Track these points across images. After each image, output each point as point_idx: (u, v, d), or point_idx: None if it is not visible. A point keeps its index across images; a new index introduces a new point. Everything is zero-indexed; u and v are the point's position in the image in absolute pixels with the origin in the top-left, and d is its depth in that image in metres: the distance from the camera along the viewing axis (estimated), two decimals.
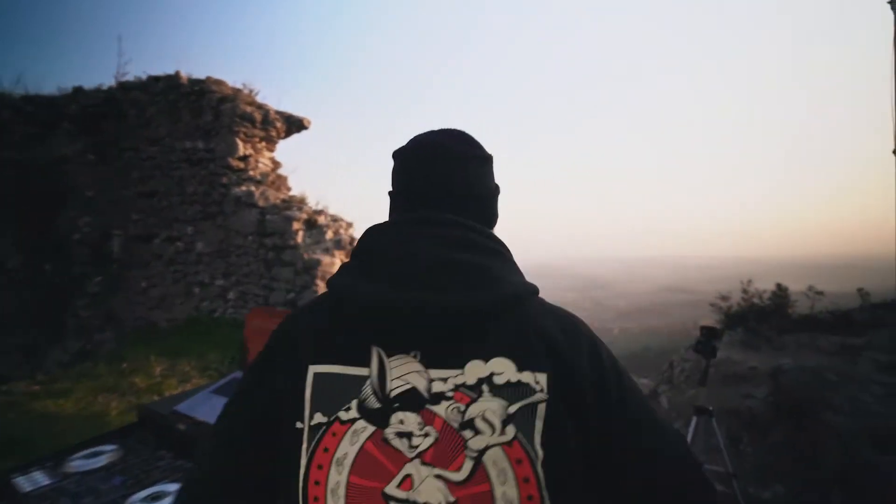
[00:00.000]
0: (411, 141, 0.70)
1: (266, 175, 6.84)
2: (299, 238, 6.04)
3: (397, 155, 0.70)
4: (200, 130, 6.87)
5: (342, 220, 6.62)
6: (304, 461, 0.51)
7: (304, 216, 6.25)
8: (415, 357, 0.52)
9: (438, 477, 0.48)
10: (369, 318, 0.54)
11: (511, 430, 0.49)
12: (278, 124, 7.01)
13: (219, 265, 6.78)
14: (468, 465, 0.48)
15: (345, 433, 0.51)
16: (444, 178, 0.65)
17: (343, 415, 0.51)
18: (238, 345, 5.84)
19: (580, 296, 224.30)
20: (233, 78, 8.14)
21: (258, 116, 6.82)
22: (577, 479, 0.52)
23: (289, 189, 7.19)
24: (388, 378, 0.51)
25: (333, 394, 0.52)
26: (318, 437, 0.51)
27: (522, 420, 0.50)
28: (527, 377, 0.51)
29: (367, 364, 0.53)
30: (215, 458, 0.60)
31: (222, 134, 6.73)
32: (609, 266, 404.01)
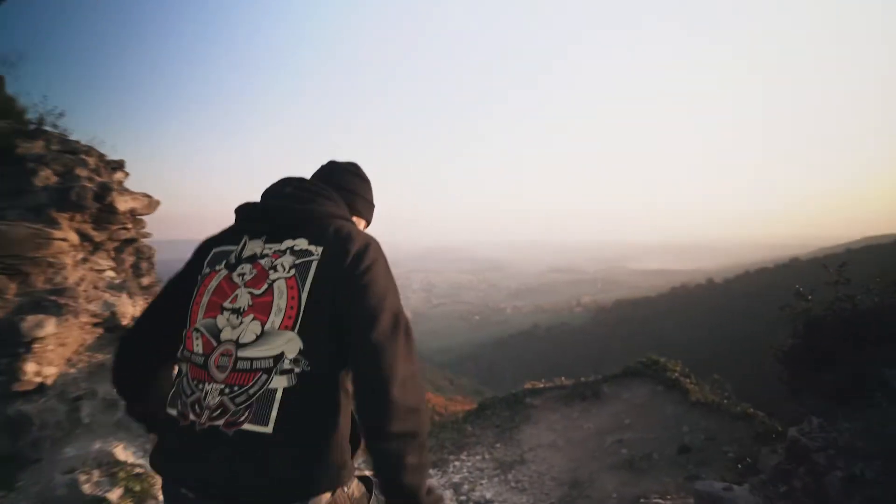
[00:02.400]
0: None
1: None
2: None
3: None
4: None
5: (131, 194, 3.20)
6: (195, 292, 0.98)
7: None
8: (262, 239, 0.98)
9: (249, 293, 0.91)
10: (246, 221, 1.04)
11: (293, 272, 0.90)
12: None
13: None
14: (265, 286, 0.90)
15: (215, 276, 0.97)
16: (328, 173, 1.18)
17: (217, 267, 0.98)
18: None
19: (475, 277, 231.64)
20: None
21: None
22: (323, 312, 0.87)
23: None
24: (245, 250, 0.98)
25: (219, 259, 1.00)
26: (203, 279, 0.98)
27: (302, 268, 0.90)
28: (311, 248, 0.93)
29: (238, 244, 1.00)
30: (151, 309, 1.08)
31: None
32: (503, 249, 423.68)
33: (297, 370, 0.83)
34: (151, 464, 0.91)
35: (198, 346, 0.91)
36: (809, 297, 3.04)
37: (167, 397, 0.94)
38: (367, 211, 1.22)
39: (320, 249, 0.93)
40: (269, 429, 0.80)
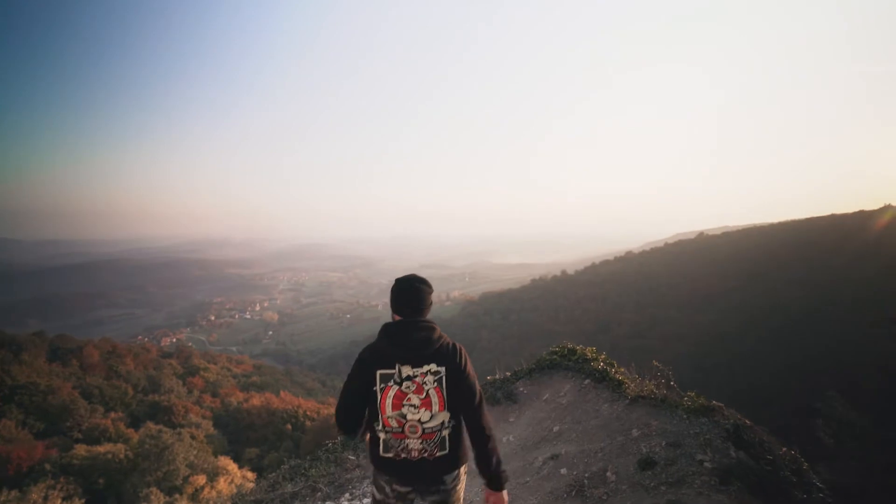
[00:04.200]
0: (403, 281, 2.21)
1: None
2: None
3: (396, 285, 2.21)
4: None
5: None
6: (379, 399, 2.07)
7: None
8: (410, 366, 2.06)
9: (417, 397, 2.06)
10: (394, 354, 2.08)
11: (435, 384, 2.06)
12: None
13: None
14: (424, 394, 2.05)
15: (390, 389, 2.06)
16: (417, 301, 2.14)
17: (389, 383, 2.07)
18: None
19: (345, 275, 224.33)
20: None
21: None
22: (453, 397, 2.08)
23: None
24: (402, 372, 2.06)
25: (386, 378, 2.07)
26: (383, 389, 2.06)
27: (439, 381, 2.07)
28: (440, 369, 2.07)
29: (394, 367, 2.07)
30: (346, 399, 2.15)
31: None
32: (372, 245, 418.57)
33: (449, 426, 2.10)
34: (378, 476, 2.20)
35: (394, 424, 2.07)
36: None
37: (362, 431, 2.21)
38: (430, 306, 2.24)
39: (443, 368, 2.08)
40: (447, 451, 2.09)
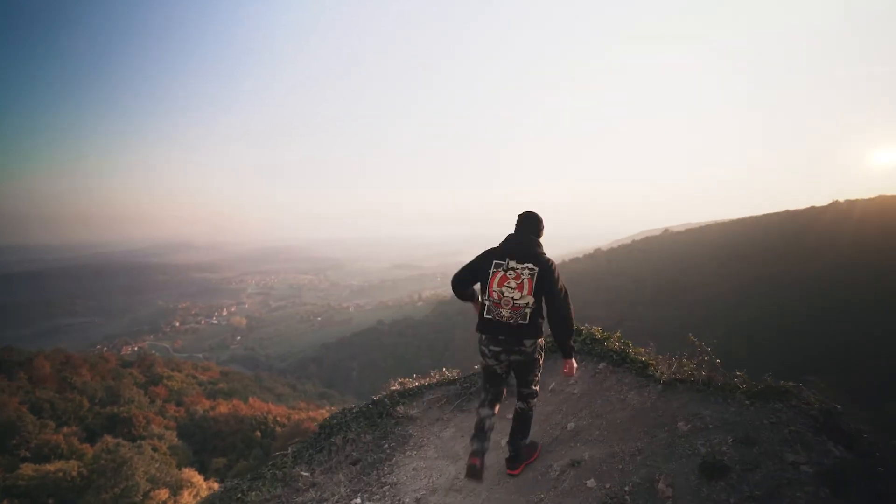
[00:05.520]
0: (522, 213, 3.32)
1: None
2: None
3: (519, 216, 3.32)
4: None
5: None
6: (490, 278, 3.10)
7: None
8: (516, 260, 3.08)
9: (515, 282, 3.05)
10: (505, 252, 3.14)
11: (529, 275, 3.03)
12: None
13: None
14: (521, 280, 3.04)
15: (498, 273, 3.09)
16: (527, 224, 3.26)
17: (498, 269, 3.10)
18: None
19: (316, 277, 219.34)
20: None
21: None
22: (540, 288, 3.04)
23: None
24: (508, 264, 3.08)
25: (498, 266, 3.10)
26: (493, 272, 3.10)
27: (532, 274, 3.03)
28: (534, 267, 3.04)
29: (504, 260, 3.10)
30: (466, 268, 3.25)
31: None
32: (344, 246, 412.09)
33: (532, 306, 3.02)
34: (480, 342, 3.21)
35: (496, 297, 3.05)
36: None
37: (475, 295, 3.31)
38: (541, 233, 3.27)
39: (537, 269, 3.03)
40: (527, 322, 3.03)
